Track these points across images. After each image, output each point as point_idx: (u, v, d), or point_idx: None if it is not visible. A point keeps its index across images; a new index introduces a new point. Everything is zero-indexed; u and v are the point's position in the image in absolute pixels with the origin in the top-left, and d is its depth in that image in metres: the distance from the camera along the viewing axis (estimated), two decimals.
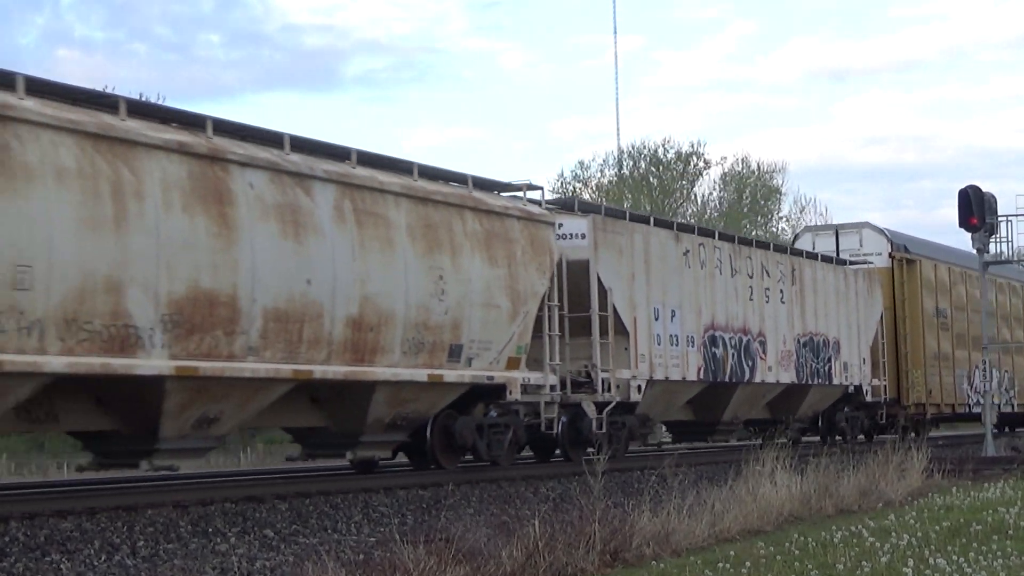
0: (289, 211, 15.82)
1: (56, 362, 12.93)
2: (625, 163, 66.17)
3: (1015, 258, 32.84)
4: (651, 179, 65.65)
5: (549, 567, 11.25)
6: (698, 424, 26.85)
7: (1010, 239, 30.50)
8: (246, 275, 15.07)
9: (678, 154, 65.41)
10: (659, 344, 23.22)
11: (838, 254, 32.60)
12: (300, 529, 14.21)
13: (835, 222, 37.96)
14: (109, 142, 13.74)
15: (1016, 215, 30.54)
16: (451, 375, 18.42)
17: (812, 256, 30.20)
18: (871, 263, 32.81)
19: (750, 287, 26.43)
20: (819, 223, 69.24)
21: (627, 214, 24.25)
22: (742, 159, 67.76)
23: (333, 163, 17.00)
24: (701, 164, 65.69)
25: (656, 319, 23.27)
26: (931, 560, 10.62)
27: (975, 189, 28.48)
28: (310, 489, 16.07)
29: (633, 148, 66.40)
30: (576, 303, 21.59)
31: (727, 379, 25.53)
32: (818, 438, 31.28)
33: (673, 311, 23.74)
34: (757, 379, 26.73)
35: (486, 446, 19.73)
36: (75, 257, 13.19)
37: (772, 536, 13.66)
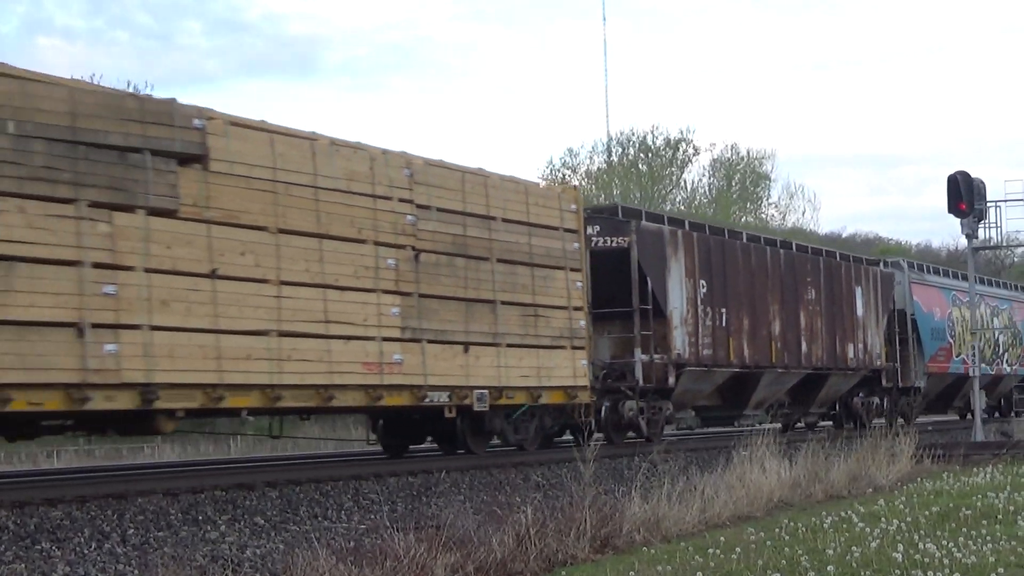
0: None
1: None
2: (614, 150, 66.14)
3: (1004, 243, 32.84)
4: (640, 166, 65.56)
5: (540, 553, 11.26)
6: None
7: (999, 225, 30.48)
8: None
9: (667, 141, 65.37)
10: None
11: None
12: (290, 516, 14.20)
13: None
14: None
15: (1005, 201, 30.47)
16: None
17: None
18: None
19: None
20: (808, 210, 69.26)
21: None
22: (731, 146, 67.79)
23: None
24: (690, 151, 65.64)
25: None
26: (921, 545, 10.63)
27: (964, 175, 28.49)
28: (300, 477, 16.04)
29: (622, 135, 66.39)
30: None
31: None
32: None
33: None
34: None
35: None
36: None
37: (762, 522, 13.67)
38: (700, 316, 24.72)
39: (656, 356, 23.54)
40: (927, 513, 13.10)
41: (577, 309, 21.00)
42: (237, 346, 15.26)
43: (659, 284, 23.75)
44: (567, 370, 20.67)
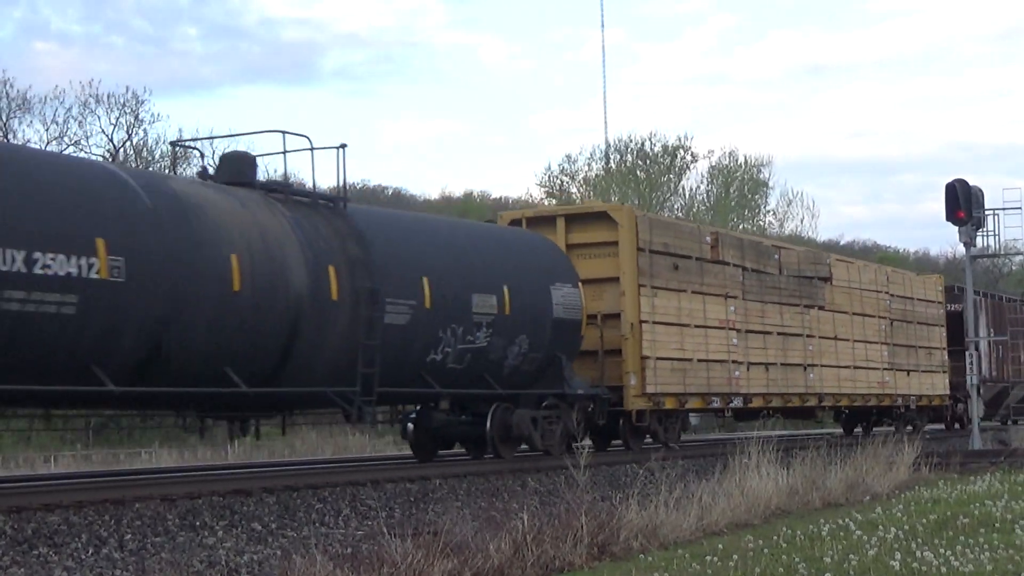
0: None
1: None
2: (612, 156, 66.08)
3: (1002, 251, 32.87)
4: (638, 173, 65.48)
5: (537, 560, 11.26)
6: None
7: (997, 233, 30.49)
8: None
9: (665, 147, 65.27)
10: None
11: None
12: (288, 522, 14.20)
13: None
14: None
15: (1003, 209, 30.47)
16: None
17: None
18: None
19: None
20: (806, 218, 69.26)
21: None
22: (729, 152, 67.55)
23: None
24: (688, 158, 65.52)
25: None
26: (918, 553, 10.64)
27: (962, 183, 28.54)
28: (297, 483, 16.04)
29: (619, 141, 66.31)
30: None
31: None
32: None
33: None
34: None
35: None
36: None
37: (760, 529, 13.68)
38: (991, 351, 39.42)
39: None
40: (925, 521, 13.10)
41: (943, 350, 35.90)
42: (844, 373, 29.65)
43: (976, 333, 36.16)
44: (941, 385, 35.64)
